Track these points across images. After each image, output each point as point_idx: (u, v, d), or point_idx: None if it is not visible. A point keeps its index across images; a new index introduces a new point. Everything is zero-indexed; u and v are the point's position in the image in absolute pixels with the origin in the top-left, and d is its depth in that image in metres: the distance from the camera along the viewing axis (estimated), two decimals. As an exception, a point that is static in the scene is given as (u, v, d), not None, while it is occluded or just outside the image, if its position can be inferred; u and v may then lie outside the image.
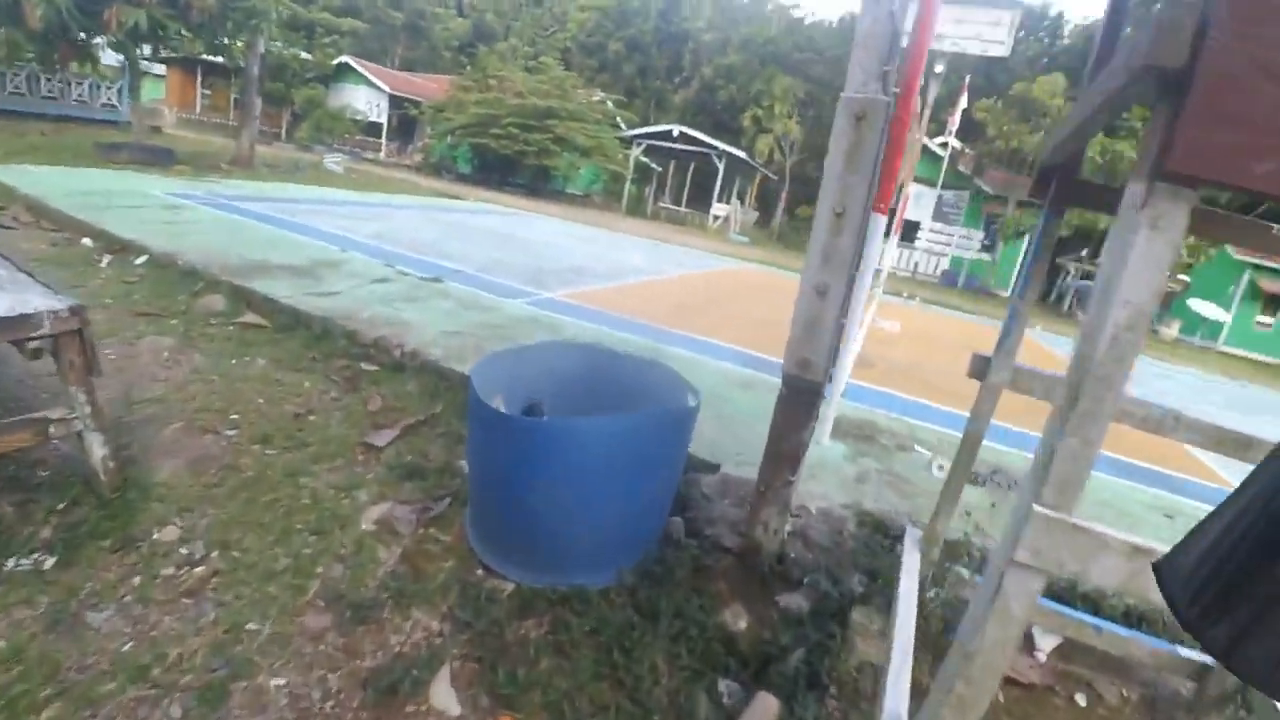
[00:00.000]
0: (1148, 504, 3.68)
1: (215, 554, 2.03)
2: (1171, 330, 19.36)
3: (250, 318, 3.97)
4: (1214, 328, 19.23)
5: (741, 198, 28.81)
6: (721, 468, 2.90)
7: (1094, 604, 2.47)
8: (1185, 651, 2.02)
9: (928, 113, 14.89)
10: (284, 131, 27.68)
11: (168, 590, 1.86)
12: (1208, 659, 2.03)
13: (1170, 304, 19.23)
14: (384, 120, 28.45)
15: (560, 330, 4.87)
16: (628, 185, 25.87)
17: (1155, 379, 10.20)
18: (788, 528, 2.33)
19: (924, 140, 15.49)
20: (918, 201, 19.75)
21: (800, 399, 2.09)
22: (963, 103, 14.59)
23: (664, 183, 31.08)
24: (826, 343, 1.94)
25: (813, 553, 2.43)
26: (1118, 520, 3.28)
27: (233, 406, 2.92)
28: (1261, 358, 19.08)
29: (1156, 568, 0.76)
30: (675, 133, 23.98)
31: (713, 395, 3.92)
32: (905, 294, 14.49)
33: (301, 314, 4.08)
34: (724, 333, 6.10)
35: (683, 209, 27.65)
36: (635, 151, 25.48)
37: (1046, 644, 2.25)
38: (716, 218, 25.53)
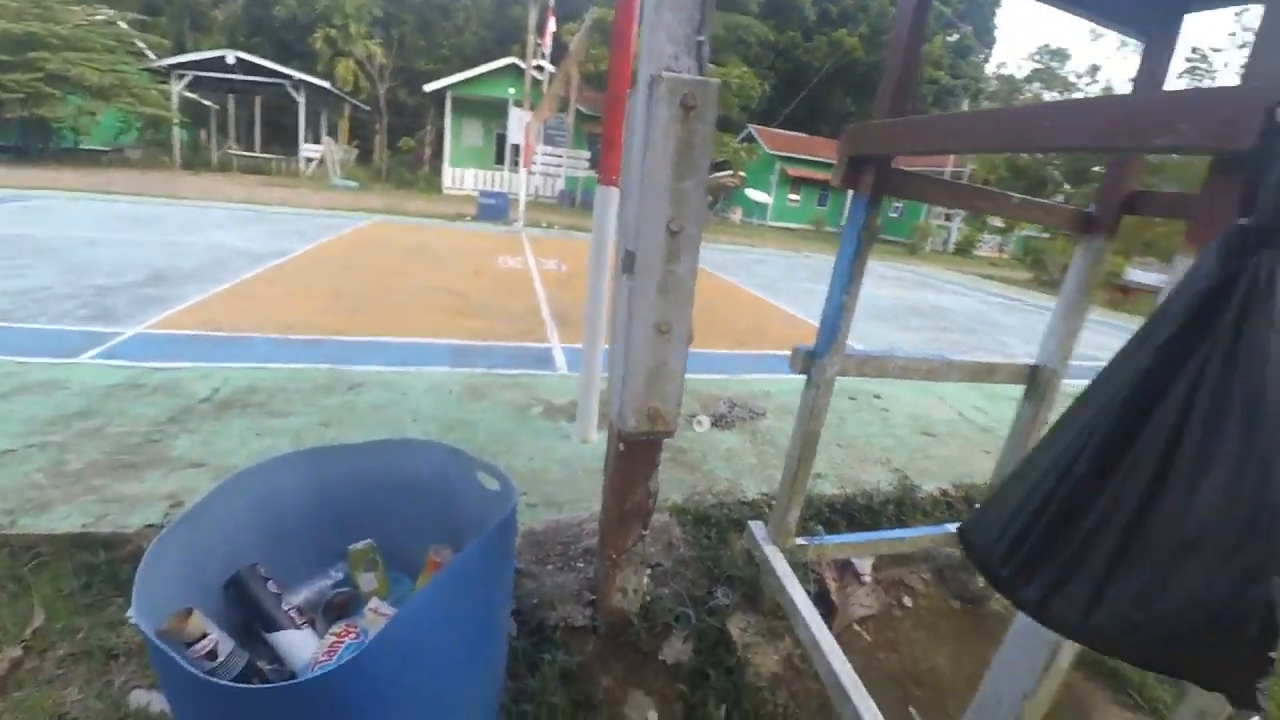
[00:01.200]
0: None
1: None
2: (736, 216, 24.30)
3: None
4: (762, 209, 24.83)
5: (334, 135, 25.05)
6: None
7: (869, 504, 2.81)
8: (953, 527, 2.41)
9: (530, 38, 14.78)
10: None
11: None
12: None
13: (731, 195, 23.98)
14: None
15: (181, 390, 3.36)
16: (176, 131, 19.89)
17: (755, 264, 12.66)
18: (645, 579, 2.02)
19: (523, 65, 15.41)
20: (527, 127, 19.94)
21: (644, 451, 1.74)
22: (551, 26, 14.88)
23: (225, 124, 24.99)
24: (676, 386, 1.59)
25: (665, 584, 2.19)
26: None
27: None
28: (794, 225, 25.59)
29: (961, 532, 0.82)
30: (231, 60, 19.10)
31: (447, 420, 3.26)
32: (545, 224, 14.78)
33: None
34: (410, 323, 5.19)
35: (260, 154, 22.72)
36: (178, 86, 19.55)
37: (865, 568, 2.48)
38: (309, 160, 21.76)
